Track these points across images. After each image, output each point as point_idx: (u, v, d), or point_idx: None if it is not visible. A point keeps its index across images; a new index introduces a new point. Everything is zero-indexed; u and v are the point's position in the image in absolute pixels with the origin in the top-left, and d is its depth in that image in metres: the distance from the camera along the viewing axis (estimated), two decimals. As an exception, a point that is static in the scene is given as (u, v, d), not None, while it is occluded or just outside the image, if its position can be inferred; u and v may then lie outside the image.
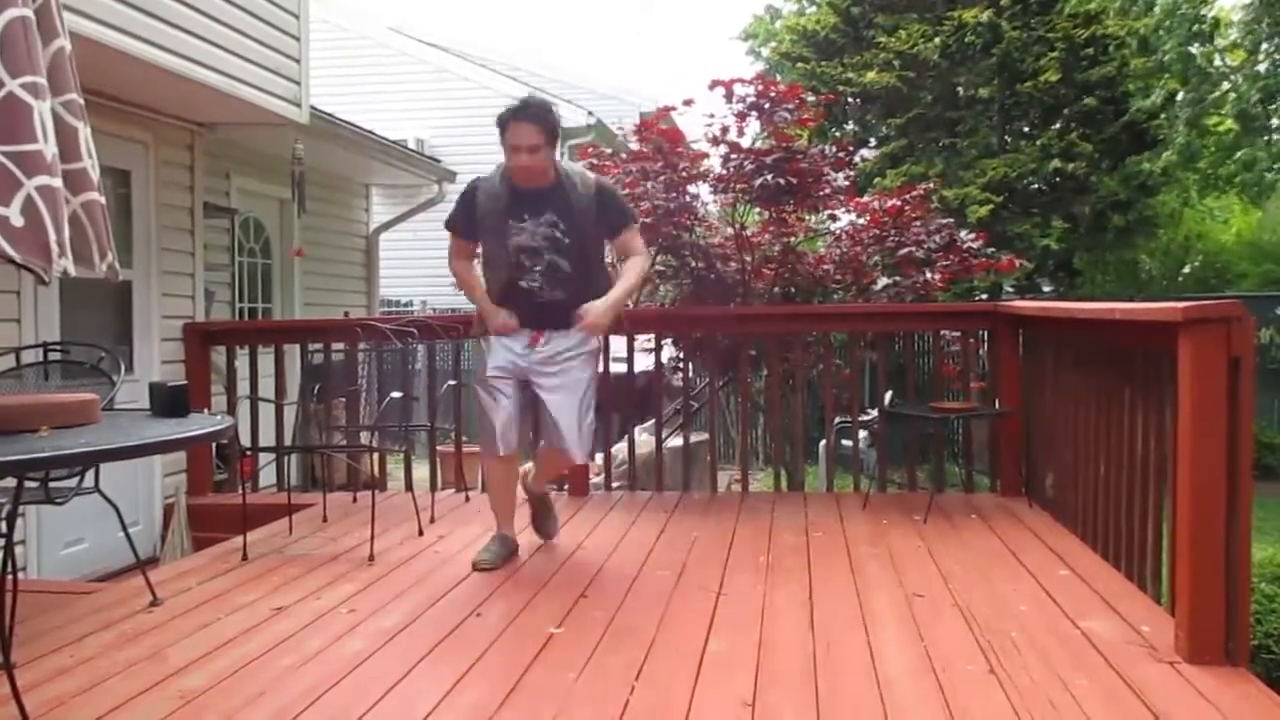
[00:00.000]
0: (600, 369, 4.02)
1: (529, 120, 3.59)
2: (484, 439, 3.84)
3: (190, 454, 5.55)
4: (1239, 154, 12.42)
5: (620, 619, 3.12)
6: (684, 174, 6.01)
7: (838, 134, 13.67)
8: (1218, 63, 13.05)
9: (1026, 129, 13.48)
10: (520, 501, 4.11)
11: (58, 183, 2.42)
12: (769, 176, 5.81)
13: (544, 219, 3.67)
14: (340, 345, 5.60)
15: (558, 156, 3.76)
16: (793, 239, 6.37)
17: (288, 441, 5.65)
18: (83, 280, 3.26)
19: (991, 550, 3.91)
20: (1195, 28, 12.14)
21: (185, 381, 3.79)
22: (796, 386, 6.36)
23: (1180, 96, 12.11)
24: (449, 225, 3.92)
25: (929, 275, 6.10)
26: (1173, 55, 12.22)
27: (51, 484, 3.35)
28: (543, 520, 4.21)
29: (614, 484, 5.74)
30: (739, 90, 6.04)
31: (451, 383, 5.35)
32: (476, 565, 3.76)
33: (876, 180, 12.53)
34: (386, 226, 9.80)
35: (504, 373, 3.76)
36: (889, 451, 6.13)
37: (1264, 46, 12.08)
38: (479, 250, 3.93)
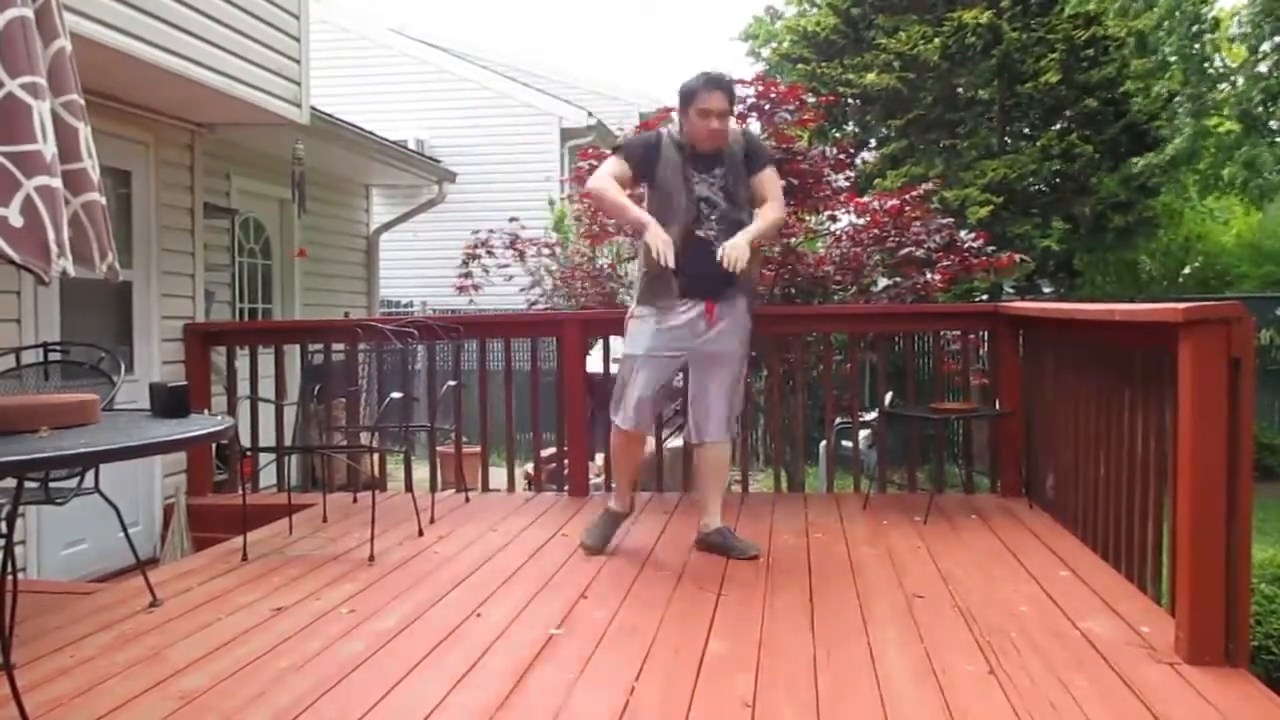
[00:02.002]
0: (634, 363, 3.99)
1: (722, 90, 3.86)
2: (616, 406, 4.01)
3: (190, 454, 5.55)
4: (1240, 151, 12.39)
5: (620, 619, 3.12)
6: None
7: (838, 135, 13.66)
8: (1218, 63, 13.03)
9: (1027, 130, 13.48)
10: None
11: (57, 183, 2.42)
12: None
13: (716, 172, 3.88)
14: (340, 346, 5.61)
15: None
16: (793, 240, 6.36)
17: (288, 442, 5.65)
18: (83, 280, 3.27)
19: (992, 551, 3.91)
20: (1195, 27, 12.12)
21: (185, 382, 3.81)
22: (796, 387, 6.36)
23: (1180, 97, 12.09)
24: (620, 148, 4.06)
25: (929, 276, 6.10)
26: (1174, 53, 12.20)
27: (51, 484, 3.35)
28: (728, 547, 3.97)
29: (614, 484, 5.74)
30: (739, 91, 6.02)
31: (451, 383, 5.35)
32: (583, 545, 4.00)
33: (877, 181, 12.53)
34: (387, 227, 9.81)
35: (667, 353, 3.89)
36: (889, 452, 6.12)
37: (1263, 47, 12.06)
38: (640, 196, 4.03)
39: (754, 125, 6.15)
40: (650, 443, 5.78)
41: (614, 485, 4.24)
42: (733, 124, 4.06)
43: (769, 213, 3.90)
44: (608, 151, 7.52)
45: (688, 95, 3.85)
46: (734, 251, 3.70)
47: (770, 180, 3.97)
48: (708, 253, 3.77)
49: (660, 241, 3.69)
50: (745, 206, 3.91)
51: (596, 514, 4.19)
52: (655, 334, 3.89)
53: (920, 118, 13.18)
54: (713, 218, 3.87)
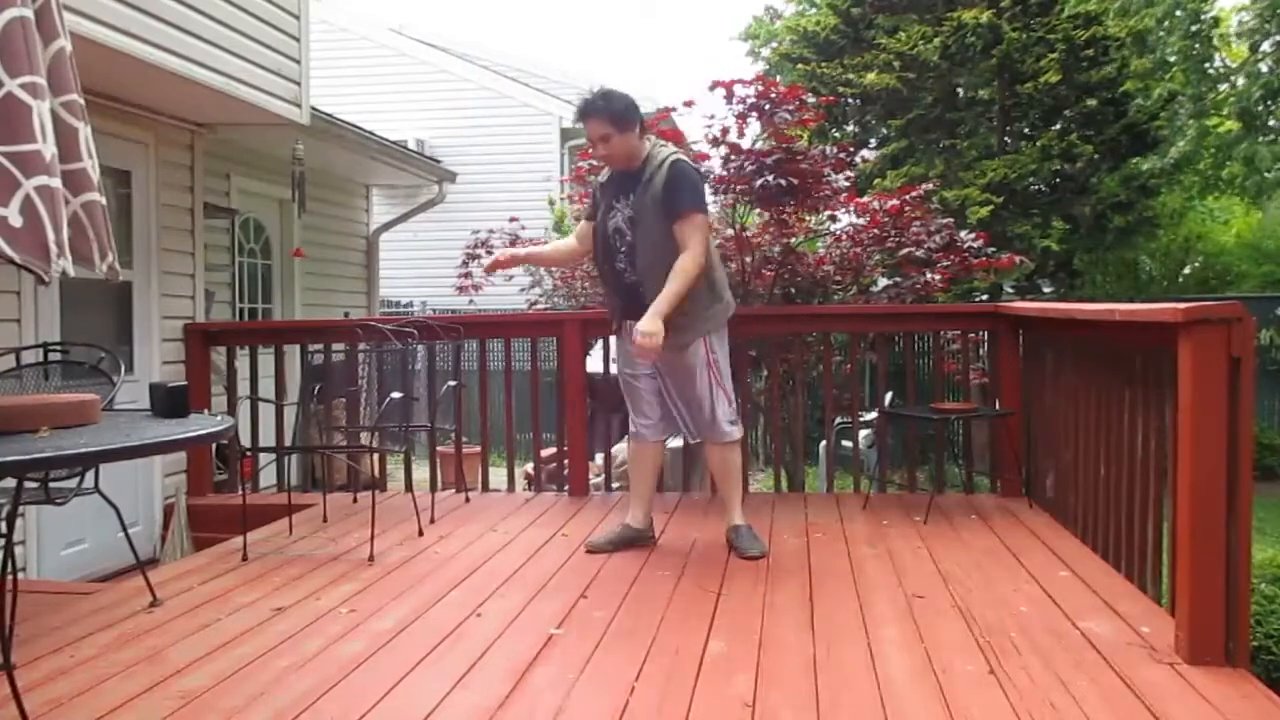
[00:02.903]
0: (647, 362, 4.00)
1: (594, 116, 3.76)
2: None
3: (190, 454, 5.55)
4: (1241, 147, 12.38)
5: (620, 619, 3.12)
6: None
7: (838, 135, 13.65)
8: (1218, 63, 13.03)
9: (1027, 130, 13.46)
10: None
11: (56, 183, 2.42)
12: (769, 177, 5.81)
13: (630, 199, 3.81)
14: (340, 346, 5.61)
15: (643, 139, 3.83)
16: (793, 240, 6.36)
17: (288, 442, 5.65)
18: (83, 280, 3.27)
19: (992, 551, 3.91)
20: (1195, 27, 12.12)
21: (185, 382, 3.81)
22: (796, 387, 6.36)
23: (1181, 97, 12.09)
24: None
25: (929, 276, 6.10)
26: (1174, 52, 12.20)
27: (51, 484, 3.35)
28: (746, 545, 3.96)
29: (614, 484, 5.74)
30: (739, 91, 6.03)
31: (451, 383, 5.35)
32: (590, 548, 4.01)
33: (877, 181, 12.52)
34: (387, 227, 9.81)
35: (627, 370, 4.03)
36: (889, 452, 6.12)
37: (1264, 46, 12.06)
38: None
39: (754, 125, 6.15)
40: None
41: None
42: (670, 152, 3.83)
43: (673, 280, 3.65)
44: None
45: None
46: (642, 340, 3.59)
47: (685, 229, 3.69)
48: (623, 285, 3.87)
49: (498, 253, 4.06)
50: (654, 233, 3.73)
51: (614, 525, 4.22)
52: (622, 357, 4.05)
53: (920, 118, 13.17)
54: (622, 249, 3.86)
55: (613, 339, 4.15)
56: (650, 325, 3.60)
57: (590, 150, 3.85)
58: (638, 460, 4.15)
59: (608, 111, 3.73)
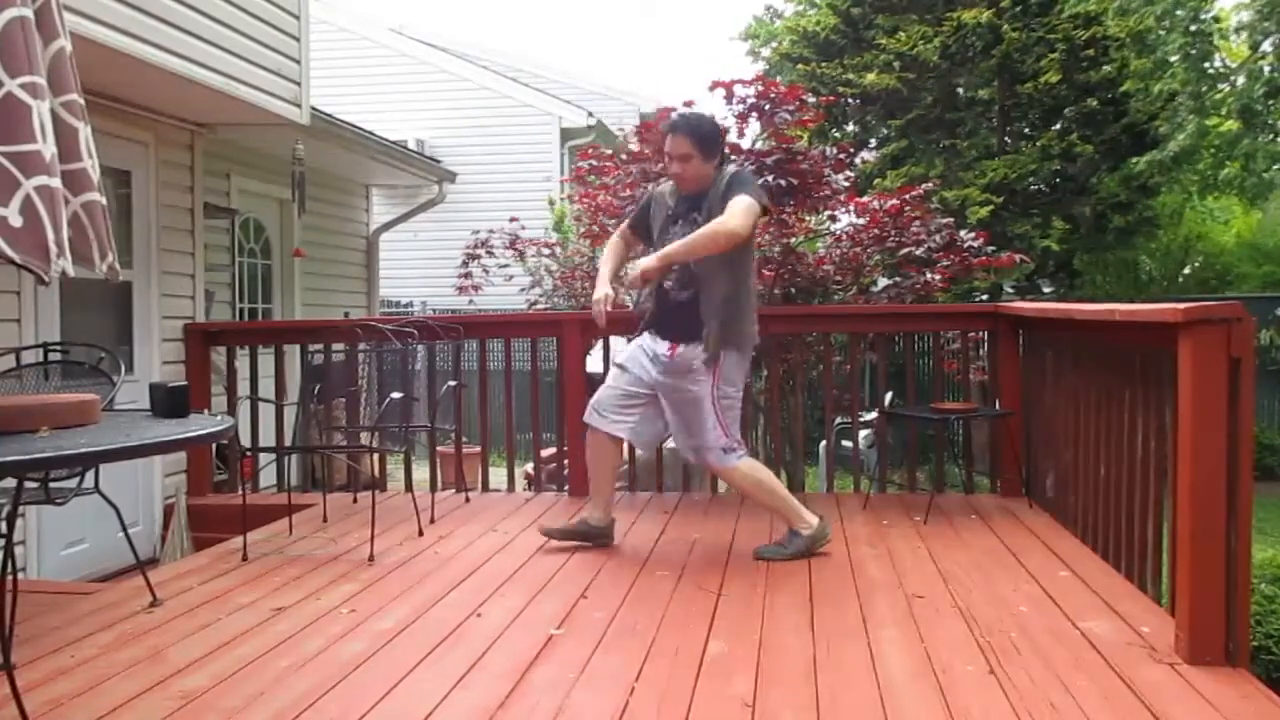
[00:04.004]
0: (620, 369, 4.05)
1: (682, 132, 3.74)
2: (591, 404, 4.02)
3: (190, 454, 5.55)
4: (1241, 145, 12.36)
5: (620, 619, 3.12)
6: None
7: (838, 135, 13.66)
8: (1218, 62, 13.01)
9: (1027, 130, 13.47)
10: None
11: (56, 183, 2.42)
12: (769, 177, 5.81)
13: (692, 217, 3.78)
14: (340, 346, 5.61)
15: (719, 170, 3.80)
16: (793, 240, 6.36)
17: (288, 442, 5.65)
18: (83, 280, 3.27)
19: (992, 551, 3.91)
20: (1194, 26, 12.10)
21: (185, 382, 3.81)
22: (796, 387, 6.36)
23: (1181, 96, 12.07)
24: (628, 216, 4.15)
25: (929, 275, 6.10)
26: (1174, 52, 12.18)
27: (51, 484, 3.35)
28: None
29: (614, 485, 5.73)
30: (739, 91, 6.04)
31: (451, 383, 5.36)
32: (543, 530, 4.10)
33: (877, 181, 12.53)
34: (387, 227, 9.81)
35: (629, 363, 3.93)
36: (889, 452, 6.12)
37: (1265, 46, 12.04)
38: (638, 248, 4.09)
39: (754, 125, 6.15)
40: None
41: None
42: (729, 168, 3.85)
43: (707, 226, 3.62)
44: (608, 151, 7.55)
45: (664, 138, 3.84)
46: (636, 274, 3.69)
47: (734, 204, 3.63)
48: (668, 301, 3.84)
49: (594, 301, 3.84)
50: (713, 255, 3.67)
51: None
52: (633, 360, 3.96)
53: (920, 118, 13.17)
54: (674, 268, 3.75)
55: (624, 340, 4.07)
56: (650, 262, 3.67)
57: (665, 164, 3.82)
58: (598, 454, 4.04)
59: (697, 134, 3.74)
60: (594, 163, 7.02)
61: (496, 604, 3.32)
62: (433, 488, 5.21)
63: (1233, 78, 12.60)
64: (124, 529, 3.57)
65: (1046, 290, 13.64)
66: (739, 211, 3.60)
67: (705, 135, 3.76)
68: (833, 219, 6.70)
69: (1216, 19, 12.57)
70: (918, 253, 6.16)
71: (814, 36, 14.14)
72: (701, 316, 3.74)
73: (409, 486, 5.43)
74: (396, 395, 4.45)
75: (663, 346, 3.82)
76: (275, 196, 7.73)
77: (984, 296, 11.36)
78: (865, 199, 6.53)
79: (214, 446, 5.77)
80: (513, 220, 7.77)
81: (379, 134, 8.55)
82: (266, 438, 5.59)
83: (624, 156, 6.71)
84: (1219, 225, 18.06)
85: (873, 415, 6.78)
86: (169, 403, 2.71)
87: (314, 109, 6.52)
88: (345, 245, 9.07)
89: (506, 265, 7.95)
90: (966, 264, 6.22)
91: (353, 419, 5.56)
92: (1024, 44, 12.44)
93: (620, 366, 3.97)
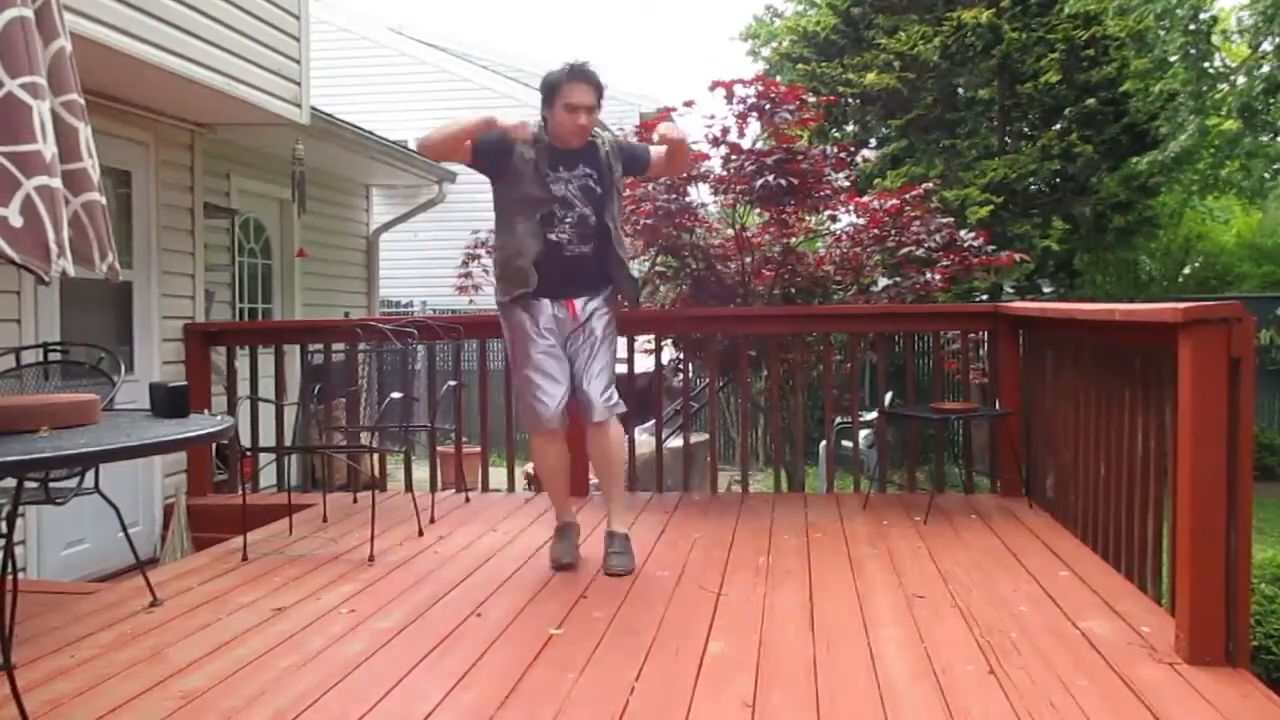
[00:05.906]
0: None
1: (589, 83, 3.68)
2: (529, 417, 3.70)
3: (190, 454, 5.55)
4: (1242, 143, 12.37)
5: (620, 619, 3.12)
6: (684, 175, 6.02)
7: (838, 135, 13.66)
8: (1218, 62, 13.01)
9: (1027, 130, 13.47)
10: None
11: (56, 183, 2.41)
12: (769, 177, 5.81)
13: (577, 171, 3.72)
14: (340, 346, 5.61)
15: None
16: (793, 240, 6.36)
17: (288, 442, 5.65)
18: (83, 280, 3.26)
19: (991, 551, 3.91)
20: (1194, 26, 12.10)
21: (185, 382, 3.81)
22: (796, 387, 6.36)
23: (1181, 96, 12.07)
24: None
25: (929, 275, 6.10)
26: (1173, 52, 12.19)
27: (51, 484, 3.35)
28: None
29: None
30: (739, 91, 6.03)
31: (451, 383, 5.35)
32: (557, 565, 3.74)
33: (877, 181, 12.52)
34: (387, 227, 9.81)
35: (551, 337, 3.70)
36: (889, 452, 6.12)
37: (1264, 46, 12.04)
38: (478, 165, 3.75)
39: (754, 125, 6.15)
40: (650, 443, 5.79)
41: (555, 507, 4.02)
42: (606, 133, 3.88)
43: (681, 140, 3.80)
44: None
45: (552, 87, 3.65)
46: (667, 129, 3.74)
47: (664, 138, 3.77)
48: (560, 257, 3.67)
49: (512, 126, 3.55)
50: (608, 211, 3.72)
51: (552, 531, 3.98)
52: (544, 328, 3.71)
53: (920, 118, 13.18)
54: (567, 220, 3.67)
55: (517, 312, 3.70)
56: (677, 132, 3.75)
57: (564, 116, 3.63)
58: (553, 459, 3.81)
59: (600, 86, 3.76)
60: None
61: (496, 604, 3.32)
62: (433, 488, 5.21)
63: (1232, 77, 12.60)
64: (124, 529, 3.57)
65: (1046, 290, 13.64)
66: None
67: (602, 89, 3.76)
68: (833, 219, 6.70)
69: (1215, 19, 12.57)
70: (918, 253, 6.16)
71: (814, 36, 14.14)
72: (610, 266, 3.78)
73: (409, 486, 5.43)
74: (396, 395, 4.45)
75: (597, 300, 3.76)
76: (275, 196, 7.73)
77: (984, 296, 11.36)
78: (865, 199, 6.53)
79: (214, 446, 5.77)
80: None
81: (379, 134, 8.54)
82: (266, 438, 5.59)
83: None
84: (1219, 225, 18.07)
85: (873, 415, 6.79)
86: (169, 403, 2.71)
87: (314, 109, 6.52)
88: (345, 245, 9.07)
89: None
90: (966, 264, 6.22)
91: (353, 419, 5.56)
92: (1024, 44, 12.44)
93: (550, 345, 3.70)
